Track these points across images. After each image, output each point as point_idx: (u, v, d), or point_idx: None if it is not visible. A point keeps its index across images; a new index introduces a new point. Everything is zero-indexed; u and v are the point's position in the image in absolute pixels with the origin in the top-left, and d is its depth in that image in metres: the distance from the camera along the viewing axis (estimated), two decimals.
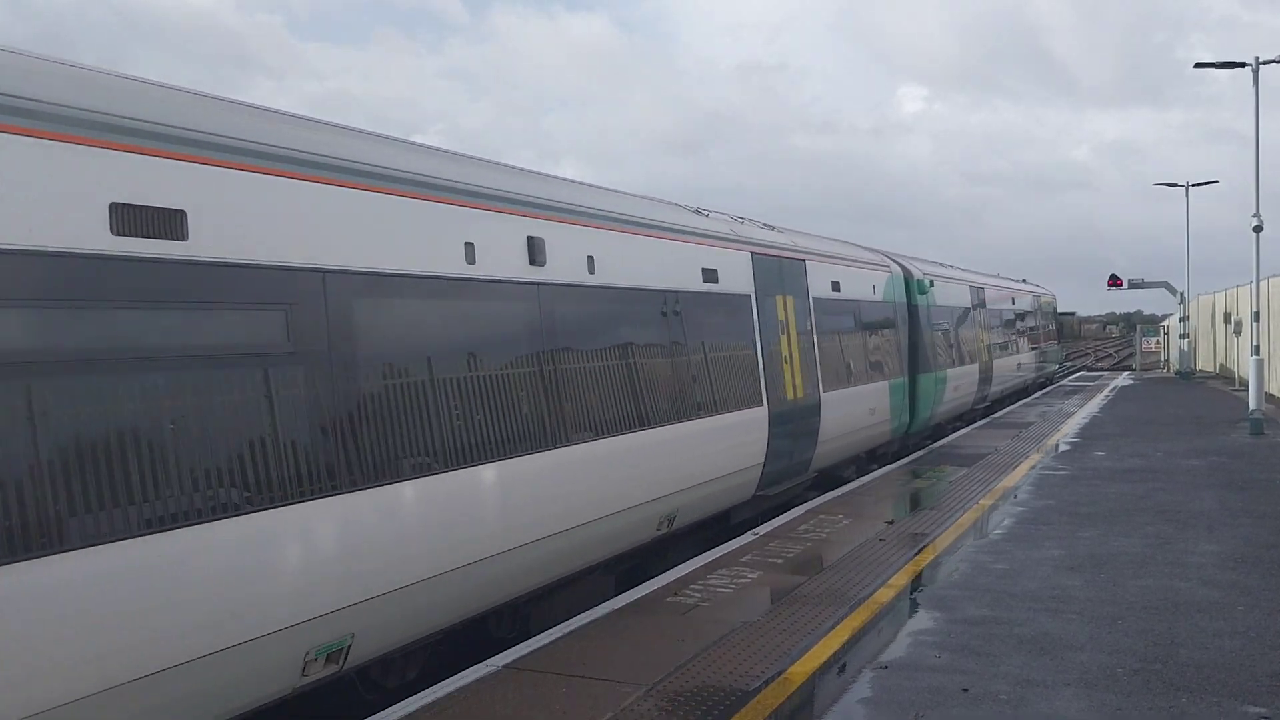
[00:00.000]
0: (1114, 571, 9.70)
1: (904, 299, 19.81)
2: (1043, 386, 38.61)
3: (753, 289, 12.70)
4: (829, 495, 14.49)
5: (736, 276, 12.39)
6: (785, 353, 13.35)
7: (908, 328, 19.67)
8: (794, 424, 13.41)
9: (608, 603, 8.94)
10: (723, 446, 11.43)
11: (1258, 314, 24.05)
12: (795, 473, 13.80)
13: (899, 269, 20.13)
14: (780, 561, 10.34)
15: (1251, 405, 21.93)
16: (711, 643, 7.72)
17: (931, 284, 21.21)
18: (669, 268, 10.95)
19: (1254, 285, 24.42)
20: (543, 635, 8.02)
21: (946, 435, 22.49)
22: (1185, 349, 42.80)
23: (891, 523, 12.21)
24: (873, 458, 18.40)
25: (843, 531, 11.82)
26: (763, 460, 12.43)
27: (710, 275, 11.71)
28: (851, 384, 15.92)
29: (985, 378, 26.11)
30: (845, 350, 15.85)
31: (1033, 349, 35.39)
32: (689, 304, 11.12)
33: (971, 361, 24.35)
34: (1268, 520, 12.04)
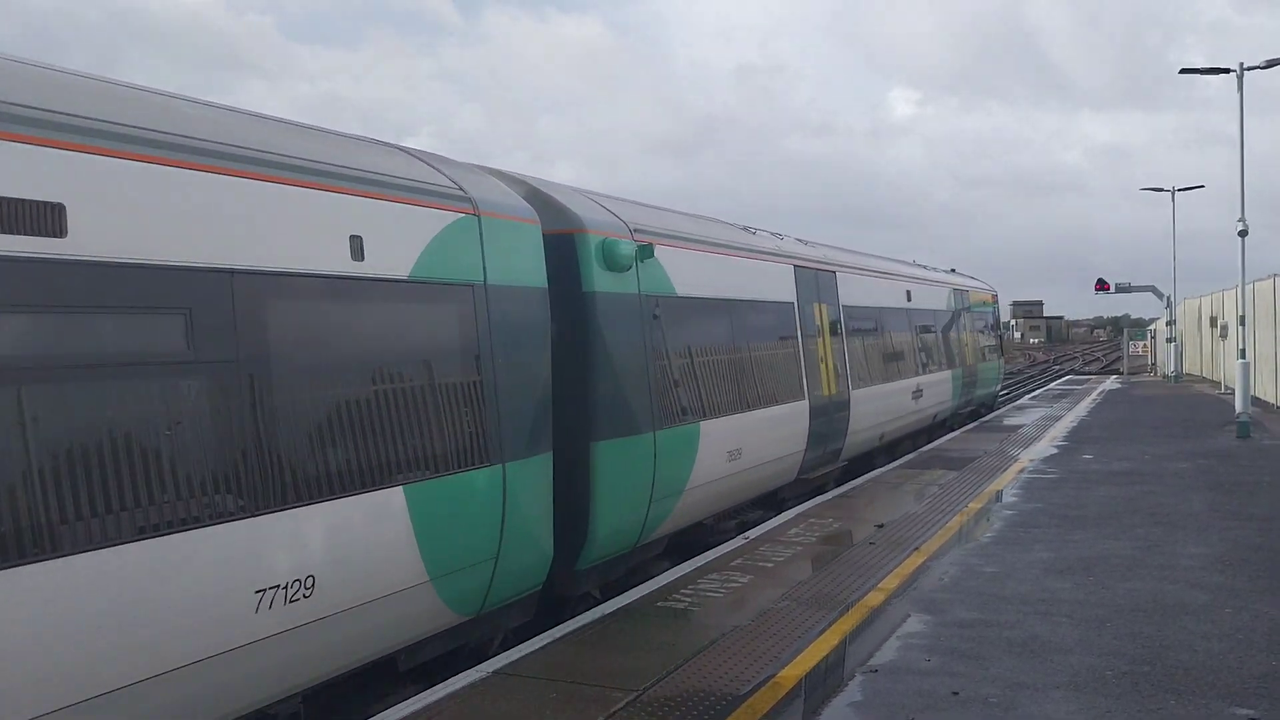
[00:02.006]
0: (1103, 574, 9.73)
1: (535, 279, 8.73)
2: (976, 415, 27.93)
3: None
4: (819, 499, 14.49)
5: None
6: None
7: (549, 342, 8.81)
8: None
9: (598, 608, 8.94)
10: None
11: (1243, 318, 24.19)
12: None
13: (513, 209, 8.66)
14: (770, 565, 10.34)
15: (1238, 408, 22.06)
16: (702, 647, 7.71)
17: (647, 254, 10.36)
18: None
19: (1239, 289, 24.56)
20: (533, 640, 8.01)
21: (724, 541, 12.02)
22: (1173, 353, 43.03)
23: (881, 526, 12.22)
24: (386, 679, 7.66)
25: (833, 535, 11.83)
26: None
27: None
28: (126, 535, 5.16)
29: (833, 421, 15.36)
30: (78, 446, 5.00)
31: (950, 366, 23.64)
32: None
33: (792, 397, 13.81)
34: (1255, 522, 12.10)
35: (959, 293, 25.97)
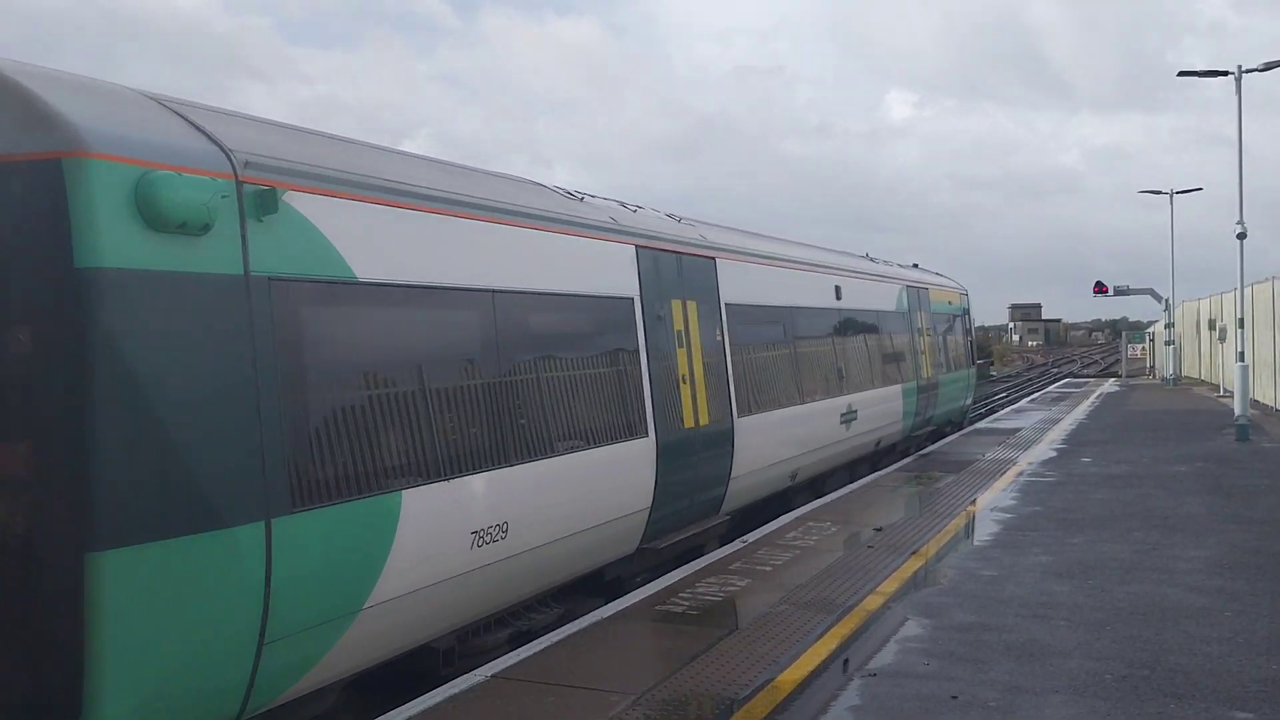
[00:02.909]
0: (1102, 577, 9.71)
1: None
2: (939, 435, 23.64)
3: None
4: (817, 503, 14.48)
5: None
6: None
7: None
8: None
9: (595, 612, 8.91)
10: None
11: (1242, 320, 24.18)
12: None
13: None
14: (768, 569, 10.32)
15: (1237, 411, 22.04)
16: (700, 651, 7.69)
17: (268, 208, 6.05)
18: None
19: (1238, 291, 24.56)
20: (531, 645, 7.98)
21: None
22: (1171, 355, 43.11)
23: (879, 529, 12.20)
24: None
25: (831, 539, 11.81)
26: None
27: None
28: None
29: (702, 463, 11.25)
30: None
31: (901, 380, 19.46)
32: None
33: (625, 433, 9.75)
34: (1254, 526, 12.08)
35: (915, 290, 21.85)
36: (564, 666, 7.43)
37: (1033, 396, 38.93)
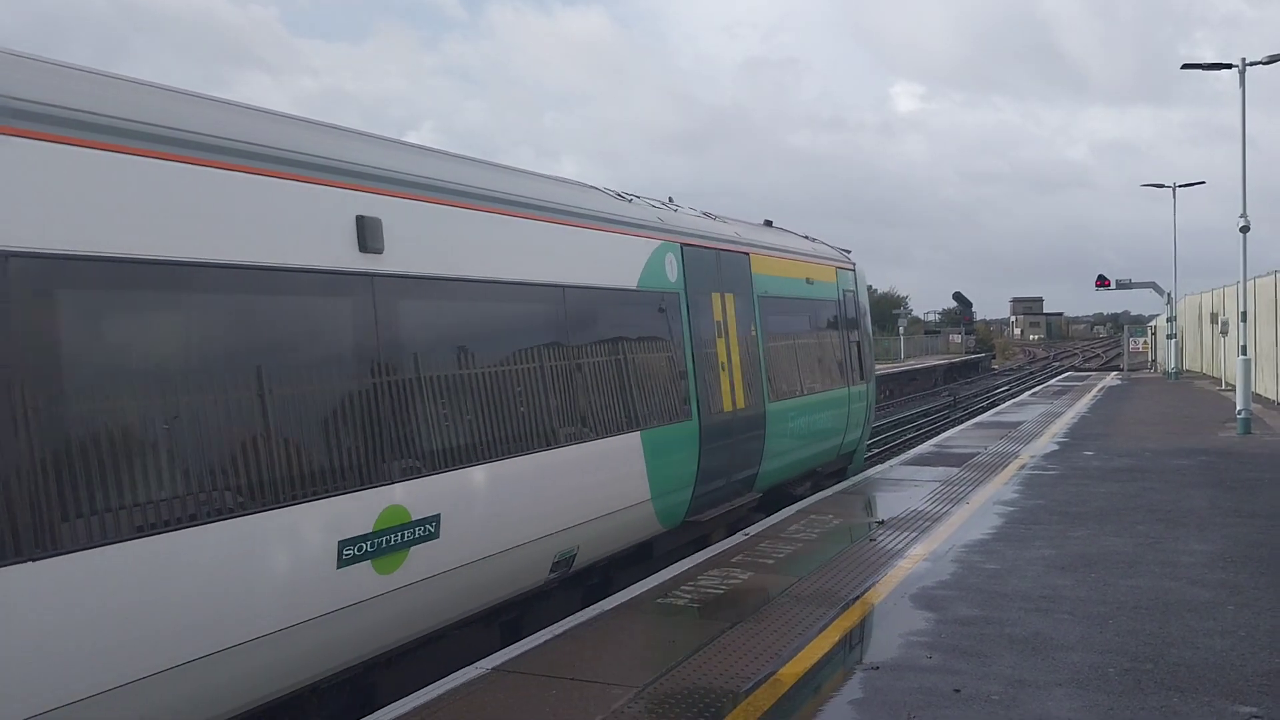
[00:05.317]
0: (1104, 571, 9.70)
1: None
2: (781, 501, 14.33)
3: None
4: (819, 495, 14.47)
5: None
6: None
7: None
8: None
9: (598, 604, 8.90)
10: None
11: (1244, 314, 24.15)
12: None
13: None
14: (771, 562, 10.31)
15: (1239, 405, 22.03)
16: (702, 644, 7.68)
17: None
18: None
19: (1240, 285, 24.51)
20: (532, 637, 7.98)
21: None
22: (1173, 349, 43.11)
23: (882, 523, 12.19)
24: None
25: (833, 532, 11.80)
26: None
27: None
28: None
29: None
30: None
31: (639, 423, 10.01)
32: None
33: None
34: (1257, 519, 12.07)
35: (708, 256, 12.25)
36: (566, 659, 7.42)
37: (1034, 390, 38.93)
